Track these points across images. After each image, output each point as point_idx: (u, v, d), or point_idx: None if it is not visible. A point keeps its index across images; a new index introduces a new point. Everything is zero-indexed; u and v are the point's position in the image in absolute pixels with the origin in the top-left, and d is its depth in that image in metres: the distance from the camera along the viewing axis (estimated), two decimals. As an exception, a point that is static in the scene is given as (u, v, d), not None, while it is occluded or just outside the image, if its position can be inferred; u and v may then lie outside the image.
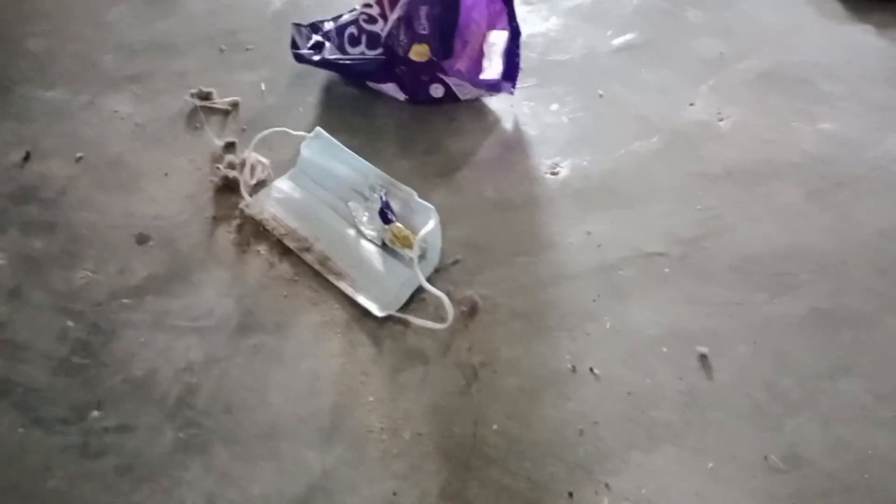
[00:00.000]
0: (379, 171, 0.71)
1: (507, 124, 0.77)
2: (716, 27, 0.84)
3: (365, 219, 0.70)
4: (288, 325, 0.62)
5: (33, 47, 0.93)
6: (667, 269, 0.62)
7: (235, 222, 0.70)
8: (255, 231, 0.69)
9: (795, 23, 0.83)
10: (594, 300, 0.61)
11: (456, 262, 0.65)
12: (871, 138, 0.70)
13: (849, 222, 0.64)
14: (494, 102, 0.80)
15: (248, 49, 0.89)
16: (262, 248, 0.68)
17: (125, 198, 0.74)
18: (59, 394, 0.59)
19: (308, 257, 0.68)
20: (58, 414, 0.58)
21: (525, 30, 0.85)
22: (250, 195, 0.73)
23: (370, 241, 0.69)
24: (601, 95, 0.78)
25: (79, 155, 0.78)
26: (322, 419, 0.56)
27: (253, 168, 0.75)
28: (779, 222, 0.65)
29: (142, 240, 0.70)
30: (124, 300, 0.65)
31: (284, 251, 0.68)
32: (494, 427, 0.54)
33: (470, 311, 0.61)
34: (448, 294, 0.60)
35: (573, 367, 0.57)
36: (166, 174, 0.75)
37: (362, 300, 0.63)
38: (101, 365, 0.61)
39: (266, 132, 0.75)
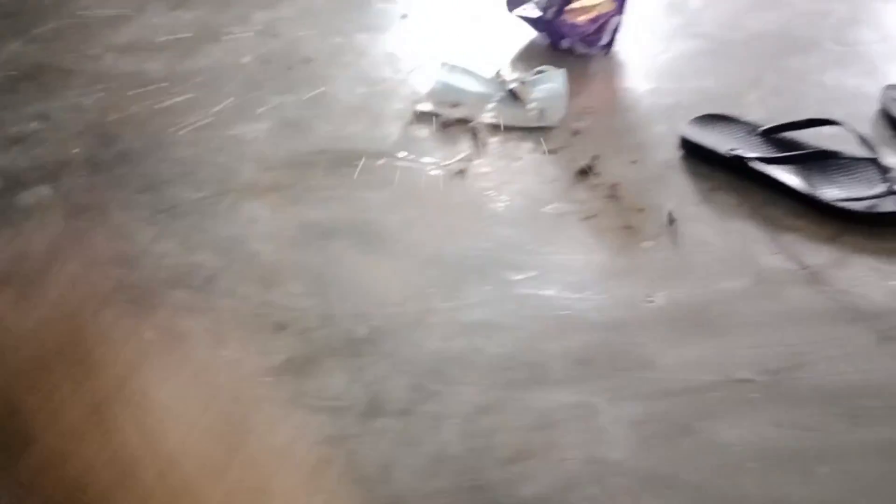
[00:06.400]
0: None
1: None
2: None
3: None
4: (411, 413, 0.70)
5: (180, 154, 1.06)
6: (755, 395, 0.70)
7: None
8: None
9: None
10: (690, 416, 0.68)
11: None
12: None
13: (918, 367, 0.71)
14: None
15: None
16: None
17: (265, 290, 0.84)
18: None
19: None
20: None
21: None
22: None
23: None
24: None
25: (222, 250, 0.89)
26: (442, 497, 0.63)
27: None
28: (853, 363, 0.72)
29: (279, 328, 0.79)
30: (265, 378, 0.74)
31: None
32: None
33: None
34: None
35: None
36: (298, 274, 0.85)
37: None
38: (244, 432, 0.69)
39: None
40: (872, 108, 1.09)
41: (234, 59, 1.32)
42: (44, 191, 1.00)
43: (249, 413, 0.70)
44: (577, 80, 1.19)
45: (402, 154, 1.05)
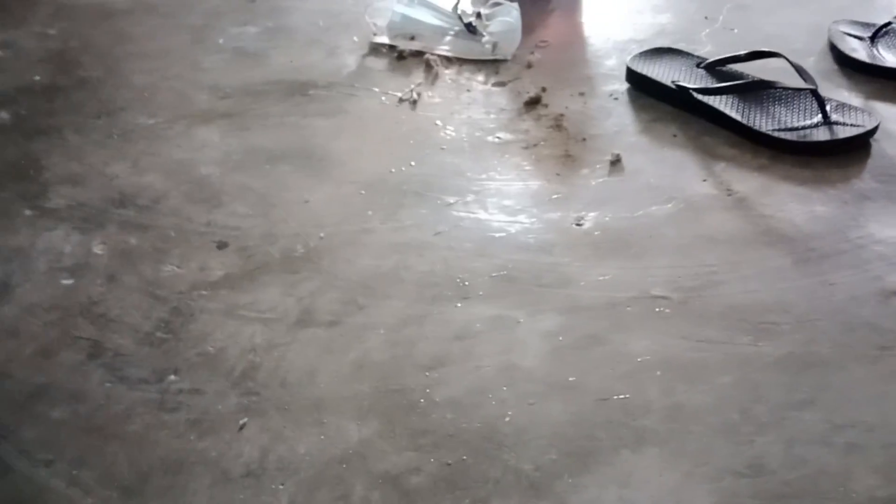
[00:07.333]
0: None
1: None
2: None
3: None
4: (339, 324, 0.73)
5: (138, 82, 1.08)
6: (667, 310, 0.72)
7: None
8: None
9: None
10: (603, 329, 0.71)
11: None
12: (855, 223, 0.80)
13: (827, 288, 0.74)
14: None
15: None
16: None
17: (209, 210, 0.86)
18: (142, 360, 0.70)
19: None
20: (140, 375, 0.69)
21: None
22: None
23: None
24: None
25: (170, 173, 0.91)
26: (361, 400, 0.66)
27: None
28: (767, 282, 0.75)
29: (221, 245, 0.82)
30: (202, 291, 0.77)
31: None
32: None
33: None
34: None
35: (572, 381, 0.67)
36: (245, 196, 0.88)
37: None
38: (179, 340, 0.72)
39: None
40: (823, 43, 1.10)
41: (199, -9, 1.32)
42: (2, 115, 1.02)
43: (187, 323, 0.73)
44: (536, 15, 1.20)
45: (355, 84, 1.07)
